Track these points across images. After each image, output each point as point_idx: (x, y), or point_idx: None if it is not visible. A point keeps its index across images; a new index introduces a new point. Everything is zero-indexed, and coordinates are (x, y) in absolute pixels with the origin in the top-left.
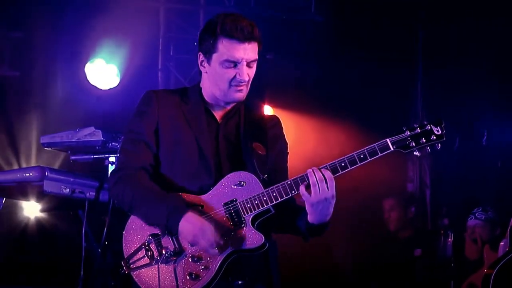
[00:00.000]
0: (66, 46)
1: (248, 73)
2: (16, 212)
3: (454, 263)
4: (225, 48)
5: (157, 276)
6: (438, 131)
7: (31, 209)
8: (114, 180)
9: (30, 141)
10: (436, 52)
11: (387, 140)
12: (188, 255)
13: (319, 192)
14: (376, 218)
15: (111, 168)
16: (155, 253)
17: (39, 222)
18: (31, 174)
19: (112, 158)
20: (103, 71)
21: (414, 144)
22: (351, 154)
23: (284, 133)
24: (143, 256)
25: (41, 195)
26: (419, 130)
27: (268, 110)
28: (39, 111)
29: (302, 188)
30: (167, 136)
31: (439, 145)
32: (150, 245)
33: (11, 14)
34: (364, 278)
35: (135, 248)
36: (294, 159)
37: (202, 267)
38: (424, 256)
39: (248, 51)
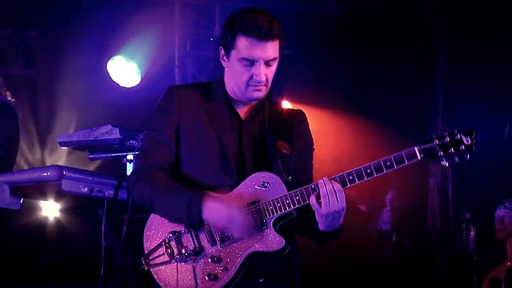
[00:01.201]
0: (81, 44)
1: (266, 73)
2: (35, 212)
3: (476, 257)
4: (243, 46)
5: (175, 274)
6: (468, 141)
7: (50, 209)
8: (133, 181)
9: (48, 140)
10: (456, 44)
11: (415, 148)
12: (208, 255)
13: (329, 204)
14: (397, 213)
15: (129, 166)
16: (175, 251)
17: (58, 221)
18: (48, 173)
19: (130, 156)
20: (124, 69)
21: (442, 153)
22: (377, 161)
23: (310, 128)
24: (163, 253)
25: (59, 195)
26: (448, 140)
27: (286, 105)
28: (54, 110)
29: (312, 199)
30: (189, 134)
31: (468, 155)
32: (171, 243)
33: (26, 13)
34: (385, 275)
35: (156, 244)
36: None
37: (222, 268)
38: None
39: (266, 50)
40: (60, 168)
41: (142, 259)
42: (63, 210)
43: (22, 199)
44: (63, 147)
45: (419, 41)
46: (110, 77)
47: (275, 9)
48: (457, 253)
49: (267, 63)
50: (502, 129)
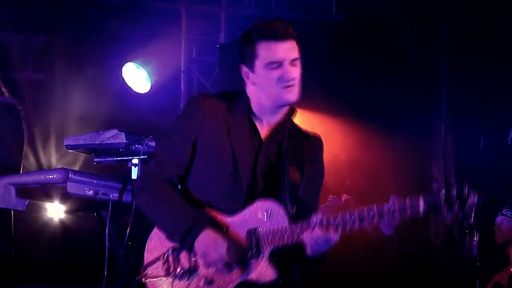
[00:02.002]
0: (89, 49)
1: (294, 72)
2: (40, 213)
3: (480, 262)
4: (265, 50)
5: None
6: (474, 200)
7: (55, 211)
8: (137, 188)
9: (61, 144)
10: (460, 51)
11: (420, 200)
12: (201, 276)
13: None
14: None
15: (134, 170)
16: (171, 267)
17: (63, 223)
18: (54, 176)
19: (135, 161)
20: (136, 76)
21: (446, 208)
22: (371, 206)
23: (323, 157)
24: (160, 268)
25: (64, 197)
26: (455, 196)
27: None
28: (62, 114)
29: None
30: (205, 147)
31: (472, 217)
32: (169, 258)
33: (35, 18)
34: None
35: (155, 257)
36: None
37: None
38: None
39: (287, 49)
40: (66, 170)
41: (141, 270)
42: (68, 212)
43: (28, 200)
44: (69, 151)
45: (422, 47)
46: (119, 83)
47: (280, 16)
48: (460, 258)
49: (292, 63)
50: (505, 135)
